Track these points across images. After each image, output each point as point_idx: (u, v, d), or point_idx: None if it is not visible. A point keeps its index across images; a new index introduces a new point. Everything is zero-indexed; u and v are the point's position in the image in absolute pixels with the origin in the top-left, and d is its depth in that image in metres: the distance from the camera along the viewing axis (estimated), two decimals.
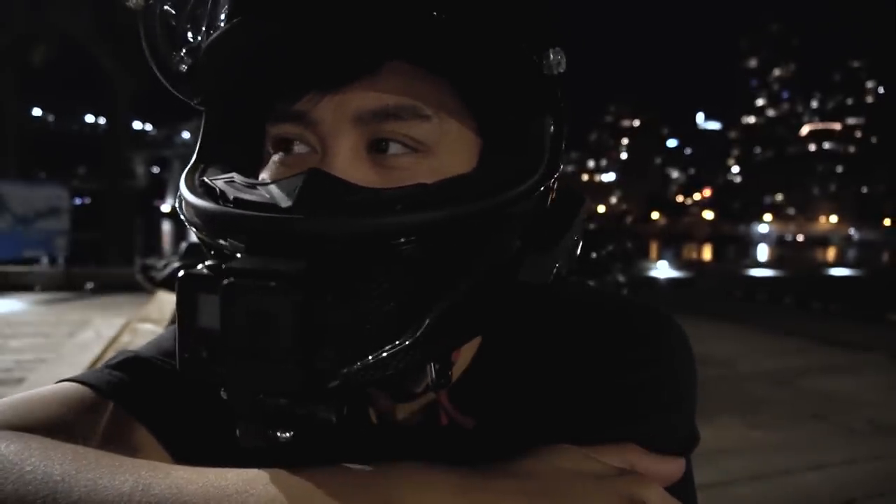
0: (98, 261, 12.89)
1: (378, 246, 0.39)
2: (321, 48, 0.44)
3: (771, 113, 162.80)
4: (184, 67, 0.48)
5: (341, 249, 0.38)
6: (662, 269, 19.45)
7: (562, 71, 0.45)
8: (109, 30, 12.02)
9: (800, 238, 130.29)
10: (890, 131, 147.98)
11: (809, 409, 4.59)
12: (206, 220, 0.43)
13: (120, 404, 0.50)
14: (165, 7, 0.48)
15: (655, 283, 14.88)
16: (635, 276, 8.64)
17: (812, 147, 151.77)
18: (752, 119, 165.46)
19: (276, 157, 0.48)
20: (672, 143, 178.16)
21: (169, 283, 6.46)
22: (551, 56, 0.44)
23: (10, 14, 12.35)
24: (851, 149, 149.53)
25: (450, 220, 0.40)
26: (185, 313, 0.37)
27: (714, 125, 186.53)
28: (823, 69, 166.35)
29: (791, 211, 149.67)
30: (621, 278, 5.80)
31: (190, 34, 0.48)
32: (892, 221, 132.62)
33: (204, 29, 0.47)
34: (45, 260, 11.33)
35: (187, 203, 0.45)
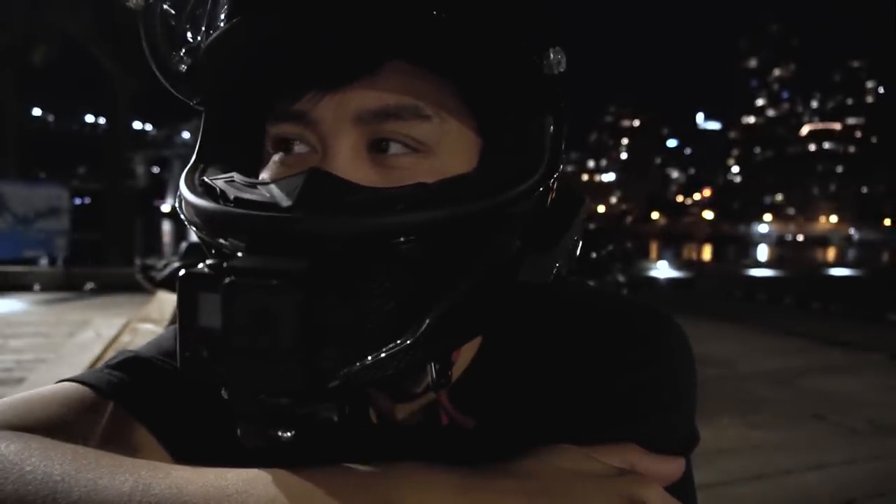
0: (98, 261, 12.89)
1: (379, 245, 0.39)
2: (321, 47, 0.44)
3: (771, 113, 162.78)
4: (183, 67, 0.48)
5: (342, 249, 0.38)
6: (662, 269, 19.46)
7: (562, 70, 0.45)
8: (109, 30, 12.02)
9: (800, 238, 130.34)
10: (890, 131, 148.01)
11: (809, 409, 4.59)
12: (206, 220, 0.43)
13: (120, 404, 0.50)
14: (165, 7, 0.48)
15: (655, 283, 14.88)
16: (635, 276, 8.64)
17: (812, 147, 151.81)
18: (752, 119, 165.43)
19: (276, 157, 0.48)
20: (672, 143, 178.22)
21: (169, 283, 6.46)
22: (551, 56, 0.44)
23: (10, 14, 12.35)
24: (851, 149, 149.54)
25: (450, 220, 0.40)
26: (185, 312, 0.37)
27: (714, 125, 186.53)
28: (823, 69, 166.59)
29: (791, 211, 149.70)
30: (621, 278, 5.81)
31: (190, 34, 0.48)
32: (892, 221, 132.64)
33: (204, 29, 0.47)
34: (44, 260, 11.33)
35: (187, 202, 0.45)
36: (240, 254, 0.39)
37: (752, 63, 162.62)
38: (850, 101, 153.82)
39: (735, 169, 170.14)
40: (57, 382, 0.52)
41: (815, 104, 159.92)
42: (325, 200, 0.40)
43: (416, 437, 0.52)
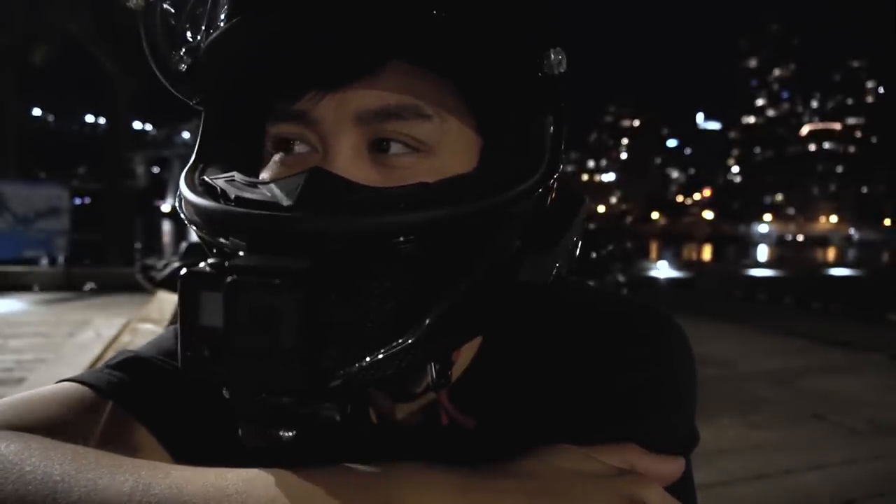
0: (98, 261, 12.89)
1: (380, 245, 0.39)
2: (322, 47, 0.44)
3: (771, 113, 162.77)
4: (183, 67, 0.48)
5: (344, 248, 0.38)
6: (662, 269, 19.46)
7: (562, 71, 0.45)
8: (109, 30, 12.01)
9: (800, 238, 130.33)
10: (890, 131, 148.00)
11: (809, 409, 4.59)
12: (207, 219, 0.43)
13: (120, 404, 0.50)
14: (166, 6, 0.48)
15: (655, 283, 14.88)
16: (635, 276, 8.63)
17: (812, 147, 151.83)
18: (752, 119, 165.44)
19: (276, 157, 0.48)
20: (672, 143, 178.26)
21: (169, 283, 6.46)
22: (552, 56, 0.44)
23: (10, 14, 12.35)
24: (851, 149, 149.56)
25: (451, 220, 0.41)
26: (187, 311, 0.37)
27: (714, 125, 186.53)
28: (823, 69, 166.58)
29: (791, 211, 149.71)
30: (621, 278, 5.81)
31: (190, 33, 0.48)
32: (892, 221, 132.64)
33: (203, 28, 0.47)
34: (44, 260, 11.33)
35: (188, 202, 0.45)
36: (241, 253, 0.39)
37: (752, 63, 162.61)
38: (850, 101, 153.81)
39: (735, 169, 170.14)
40: (57, 382, 0.52)
41: (815, 104, 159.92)
42: (327, 200, 0.40)
43: (416, 437, 0.52)
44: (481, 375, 0.54)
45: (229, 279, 0.36)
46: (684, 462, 0.48)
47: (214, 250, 0.43)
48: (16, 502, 0.37)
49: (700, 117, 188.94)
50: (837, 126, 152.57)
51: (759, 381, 5.43)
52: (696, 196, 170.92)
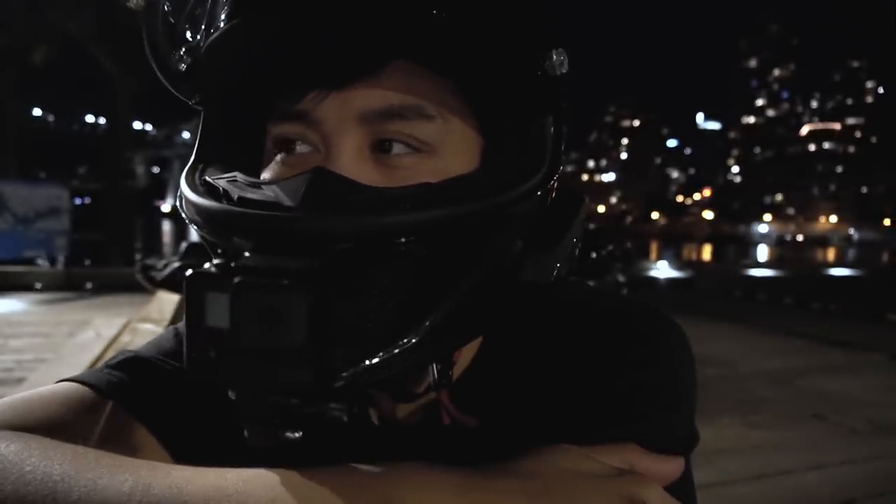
0: (98, 261, 12.89)
1: (385, 245, 0.39)
2: (324, 47, 0.44)
3: (771, 113, 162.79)
4: (183, 66, 0.48)
5: (349, 248, 0.38)
6: (662, 269, 19.45)
7: (564, 72, 0.45)
8: (110, 30, 12.01)
9: (800, 238, 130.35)
10: (890, 131, 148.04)
11: (809, 409, 4.59)
12: (211, 220, 0.43)
13: (120, 404, 0.50)
14: (167, 6, 0.48)
15: (655, 283, 14.88)
16: (635, 276, 8.63)
17: (812, 147, 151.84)
18: (751, 119, 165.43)
19: (277, 157, 0.48)
20: (672, 143, 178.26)
21: (169, 283, 6.47)
22: (554, 57, 0.44)
23: (10, 14, 12.35)
24: (851, 149, 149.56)
25: (456, 220, 0.41)
26: (192, 313, 0.37)
27: (714, 125, 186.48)
28: (823, 69, 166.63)
29: (791, 211, 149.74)
30: (621, 278, 5.81)
31: (190, 33, 0.48)
32: (892, 221, 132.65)
33: (203, 28, 0.47)
34: (43, 261, 11.33)
35: (191, 203, 0.45)
36: (247, 253, 0.39)
37: (752, 63, 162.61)
38: (849, 101, 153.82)
39: (735, 169, 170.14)
40: (57, 382, 0.52)
41: (814, 104, 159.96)
42: (331, 200, 0.40)
43: (418, 436, 0.52)
44: (482, 375, 0.54)
45: (236, 280, 0.35)
46: (684, 462, 0.48)
47: (218, 251, 0.43)
48: (16, 502, 0.37)
49: (700, 117, 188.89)
50: (837, 126, 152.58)
51: (759, 381, 5.43)
52: (696, 196, 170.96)
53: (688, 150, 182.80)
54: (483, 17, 0.42)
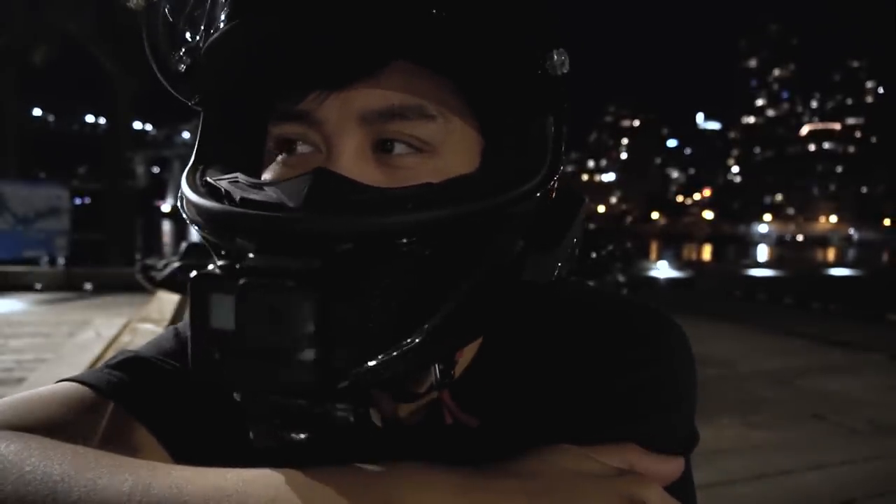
0: (98, 261, 12.89)
1: (388, 245, 0.39)
2: (324, 47, 0.44)
3: (771, 113, 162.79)
4: (183, 67, 0.48)
5: (352, 249, 0.39)
6: (662, 269, 19.45)
7: (565, 72, 0.45)
8: (110, 30, 12.01)
9: (800, 238, 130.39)
10: (890, 131, 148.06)
11: (809, 409, 4.59)
12: (214, 221, 0.43)
13: (120, 404, 0.50)
14: (167, 7, 0.48)
15: (655, 283, 14.88)
16: (635, 276, 8.64)
17: (812, 147, 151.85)
18: (751, 119, 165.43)
19: (278, 157, 0.48)
20: (672, 143, 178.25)
21: (169, 283, 6.47)
22: (555, 57, 0.44)
23: (10, 14, 12.34)
24: (851, 149, 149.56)
25: (459, 219, 0.41)
26: (197, 314, 0.37)
27: (714, 125, 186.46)
28: (823, 69, 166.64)
29: (791, 211, 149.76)
30: (621, 278, 5.81)
31: (189, 34, 0.48)
32: (892, 221, 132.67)
33: (203, 29, 0.47)
34: (45, 260, 11.33)
35: (193, 204, 0.45)
36: (250, 255, 0.38)
37: (752, 63, 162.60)
38: (849, 101, 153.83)
39: (735, 169, 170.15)
40: (57, 382, 0.52)
41: (814, 104, 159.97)
42: (334, 200, 0.40)
43: (421, 436, 0.52)
44: (482, 375, 0.54)
45: (241, 281, 0.35)
46: (684, 462, 0.48)
47: (221, 252, 0.43)
48: (16, 502, 0.37)
49: (700, 117, 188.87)
50: (837, 126, 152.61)
51: (759, 381, 5.43)
52: (696, 196, 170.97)
53: (688, 150, 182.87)
54: (483, 16, 0.42)
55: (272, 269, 0.36)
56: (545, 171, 0.45)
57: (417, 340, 0.40)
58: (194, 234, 0.46)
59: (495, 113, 0.47)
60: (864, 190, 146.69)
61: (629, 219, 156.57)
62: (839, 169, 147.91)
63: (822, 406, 4.67)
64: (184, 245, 6.78)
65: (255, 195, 0.42)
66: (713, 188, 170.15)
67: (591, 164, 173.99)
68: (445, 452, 0.43)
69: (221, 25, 0.45)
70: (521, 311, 0.48)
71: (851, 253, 66.04)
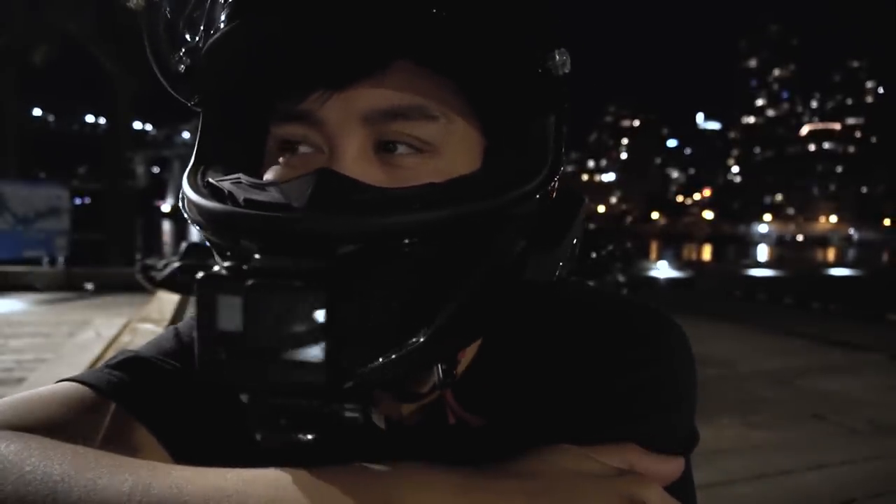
0: (98, 261, 12.88)
1: (395, 245, 0.40)
2: (327, 47, 0.44)
3: (771, 113, 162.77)
4: (183, 68, 0.48)
5: (358, 249, 0.39)
6: (662, 269, 19.45)
7: (567, 72, 0.45)
8: (110, 30, 12.01)
9: (800, 238, 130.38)
10: (890, 131, 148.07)
11: (809, 409, 4.59)
12: (219, 222, 0.43)
13: (120, 404, 0.50)
14: (168, 7, 0.48)
15: (655, 283, 14.88)
16: (635, 276, 8.63)
17: (812, 147, 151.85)
18: (751, 119, 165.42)
19: (280, 158, 0.48)
20: (672, 143, 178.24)
21: (169, 283, 6.47)
22: (557, 57, 0.44)
23: (10, 14, 12.34)
24: (851, 149, 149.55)
25: (464, 219, 0.41)
26: (204, 315, 0.36)
27: (714, 125, 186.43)
28: (823, 69, 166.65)
29: (791, 211, 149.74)
30: (621, 278, 5.81)
31: (191, 34, 0.48)
32: (892, 221, 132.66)
33: (204, 29, 0.47)
34: (45, 260, 11.33)
35: (196, 205, 0.45)
36: (256, 255, 0.38)
37: (752, 63, 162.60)
38: (849, 101, 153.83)
39: (735, 169, 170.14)
40: (57, 382, 0.52)
41: (814, 104, 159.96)
42: (340, 201, 0.40)
43: (425, 436, 0.52)
44: (482, 375, 0.54)
45: (249, 282, 0.35)
46: (684, 462, 0.48)
47: (224, 253, 0.43)
48: (16, 502, 0.37)
49: (700, 117, 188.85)
50: (837, 126, 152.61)
51: (759, 381, 5.43)
52: (696, 196, 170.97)
53: (688, 150, 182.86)
54: (485, 16, 0.42)
55: (279, 269, 0.36)
56: (546, 170, 0.45)
57: (422, 340, 0.40)
58: (194, 234, 0.46)
59: (497, 113, 0.47)
60: (864, 190, 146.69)
61: (629, 219, 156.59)
62: (839, 169, 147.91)
63: (822, 406, 4.67)
64: (184, 245, 6.77)
65: (258, 196, 0.42)
66: (713, 188, 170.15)
67: (591, 164, 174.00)
68: (449, 452, 0.43)
69: (222, 26, 0.45)
70: (521, 311, 0.48)
71: (851, 253, 66.08)
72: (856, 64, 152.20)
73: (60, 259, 11.44)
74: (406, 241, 0.39)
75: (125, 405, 0.50)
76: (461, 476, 0.40)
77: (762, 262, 33.17)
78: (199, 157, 0.50)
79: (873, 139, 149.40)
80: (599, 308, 0.56)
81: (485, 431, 0.51)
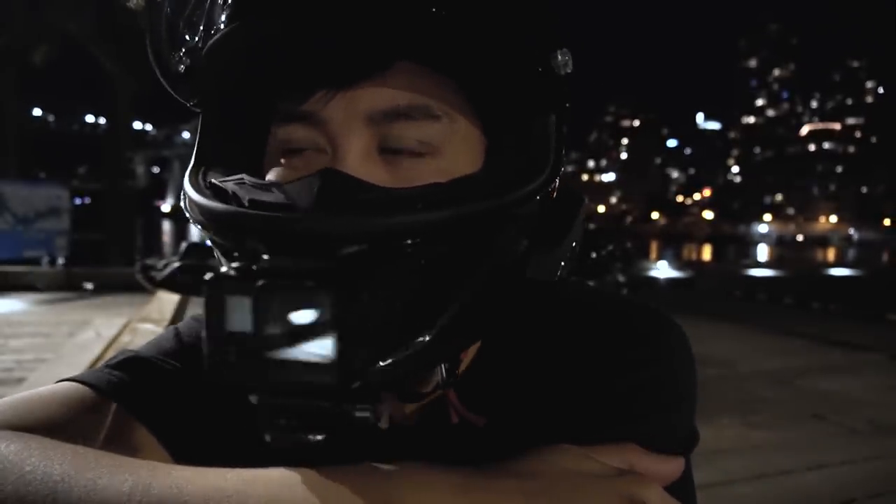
0: (98, 261, 12.88)
1: (402, 245, 0.40)
2: (330, 47, 0.44)
3: (771, 113, 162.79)
4: (182, 68, 0.48)
5: (367, 249, 0.39)
6: (662, 269, 19.44)
7: (569, 72, 0.45)
8: (110, 30, 12.01)
9: (800, 238, 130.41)
10: (890, 131, 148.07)
11: (809, 409, 4.59)
12: (225, 223, 0.43)
13: (120, 404, 0.50)
14: (168, 8, 0.48)
15: (655, 283, 14.87)
16: (635, 276, 8.64)
17: (812, 147, 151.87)
18: (751, 119, 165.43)
19: (282, 158, 0.48)
20: (672, 143, 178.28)
21: (169, 283, 6.47)
22: (559, 57, 0.44)
23: (10, 14, 12.34)
24: (851, 149, 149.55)
25: (471, 219, 0.41)
26: (213, 316, 0.36)
27: (714, 125, 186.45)
28: (823, 69, 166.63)
29: (791, 211, 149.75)
30: (621, 278, 5.82)
31: (191, 35, 0.48)
32: (892, 221, 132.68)
33: (204, 30, 0.47)
34: (45, 260, 11.33)
35: (200, 206, 0.44)
36: (265, 256, 0.38)
37: (752, 63, 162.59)
38: (849, 101, 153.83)
39: (735, 169, 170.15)
40: (57, 382, 0.52)
41: (814, 104, 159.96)
42: (347, 201, 0.40)
43: (428, 436, 0.52)
44: (482, 375, 0.54)
45: (260, 283, 0.35)
46: (684, 462, 0.48)
47: (235, 254, 0.43)
48: (16, 502, 0.37)
49: (700, 117, 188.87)
50: (837, 126, 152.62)
51: (759, 381, 5.43)
52: (696, 196, 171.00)
53: (688, 150, 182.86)
54: (488, 15, 0.42)
55: (289, 269, 0.36)
56: (549, 170, 0.46)
57: (428, 339, 0.41)
58: (194, 234, 0.46)
59: (498, 112, 0.47)
60: (864, 190, 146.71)
61: (629, 219, 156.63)
62: (839, 169, 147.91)
63: (822, 406, 4.67)
64: (184, 245, 6.77)
65: (264, 196, 0.42)
66: (713, 188, 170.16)
67: (591, 164, 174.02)
68: (453, 451, 0.43)
69: (222, 27, 0.45)
70: (522, 311, 0.48)
71: (851, 253, 66.11)
72: (856, 64, 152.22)
73: (60, 259, 11.44)
74: (414, 240, 0.40)
75: (125, 405, 0.50)
76: (461, 476, 0.40)
77: (762, 262, 33.16)
78: (199, 158, 0.50)
79: (873, 139, 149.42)
80: (599, 308, 0.56)
81: (488, 430, 0.51)
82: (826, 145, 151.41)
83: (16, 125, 14.81)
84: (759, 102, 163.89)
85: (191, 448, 0.49)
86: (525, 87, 0.46)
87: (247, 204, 0.42)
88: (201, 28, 0.47)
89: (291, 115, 0.46)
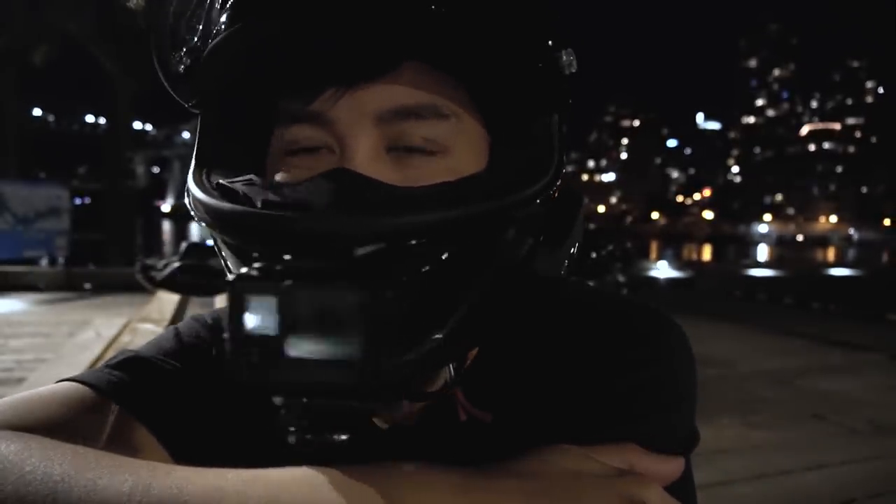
0: (98, 261, 12.88)
1: (417, 243, 0.40)
2: (334, 48, 0.44)
3: (771, 113, 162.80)
4: (183, 69, 0.48)
5: (383, 248, 0.39)
6: (662, 269, 19.44)
7: (573, 71, 0.45)
8: (109, 30, 12.02)
9: (800, 238, 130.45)
10: (890, 131, 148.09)
11: (809, 409, 4.59)
12: (238, 224, 0.42)
13: (120, 404, 0.50)
14: (170, 8, 0.48)
15: (655, 283, 14.87)
16: (635, 276, 8.64)
17: (812, 147, 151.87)
18: (751, 119, 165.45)
19: (289, 158, 0.48)
20: (672, 143, 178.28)
21: (169, 283, 6.48)
22: (564, 56, 0.45)
23: (10, 14, 12.34)
24: (851, 149, 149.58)
25: (484, 217, 0.41)
26: (235, 317, 0.36)
27: (714, 125, 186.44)
28: (823, 69, 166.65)
29: (791, 211, 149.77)
30: (621, 278, 5.82)
31: (194, 35, 0.48)
32: (892, 221, 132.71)
33: (205, 31, 0.47)
34: (45, 260, 11.33)
35: (209, 207, 0.44)
36: (286, 256, 0.38)
37: (752, 63, 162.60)
38: (849, 101, 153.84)
39: (735, 169, 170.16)
40: (57, 382, 0.52)
41: (814, 104, 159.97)
42: (360, 200, 0.40)
43: (437, 434, 0.52)
44: (484, 374, 0.54)
45: (286, 283, 0.35)
46: (684, 462, 0.48)
47: (254, 254, 0.43)
48: (16, 502, 0.37)
49: (700, 117, 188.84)
50: (837, 126, 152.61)
51: (759, 381, 5.43)
52: (696, 196, 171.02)
53: (688, 150, 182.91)
54: (494, 15, 0.42)
55: (313, 269, 0.36)
56: (554, 169, 0.46)
57: (439, 338, 0.41)
58: (194, 234, 0.46)
59: (504, 111, 0.48)
60: (864, 190, 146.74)
61: (629, 219, 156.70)
62: (839, 169, 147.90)
63: (822, 406, 4.67)
64: (184, 245, 6.77)
65: (276, 197, 0.42)
66: (713, 188, 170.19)
67: (591, 164, 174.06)
68: (461, 450, 0.43)
69: (223, 28, 0.45)
70: (524, 310, 0.48)
71: (851, 253, 66.15)
72: (856, 64, 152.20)
73: (60, 259, 11.44)
74: (426, 239, 0.40)
75: (125, 405, 0.50)
76: (461, 476, 0.40)
77: (762, 262, 33.17)
78: (200, 159, 0.50)
79: (873, 139, 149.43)
80: (599, 308, 0.56)
81: (496, 428, 0.51)
82: (826, 145, 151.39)
83: (16, 125, 14.82)
84: (759, 102, 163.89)
85: (191, 448, 0.49)
86: (531, 86, 0.46)
87: (259, 204, 0.42)
88: (202, 29, 0.47)
89: (298, 115, 0.46)
